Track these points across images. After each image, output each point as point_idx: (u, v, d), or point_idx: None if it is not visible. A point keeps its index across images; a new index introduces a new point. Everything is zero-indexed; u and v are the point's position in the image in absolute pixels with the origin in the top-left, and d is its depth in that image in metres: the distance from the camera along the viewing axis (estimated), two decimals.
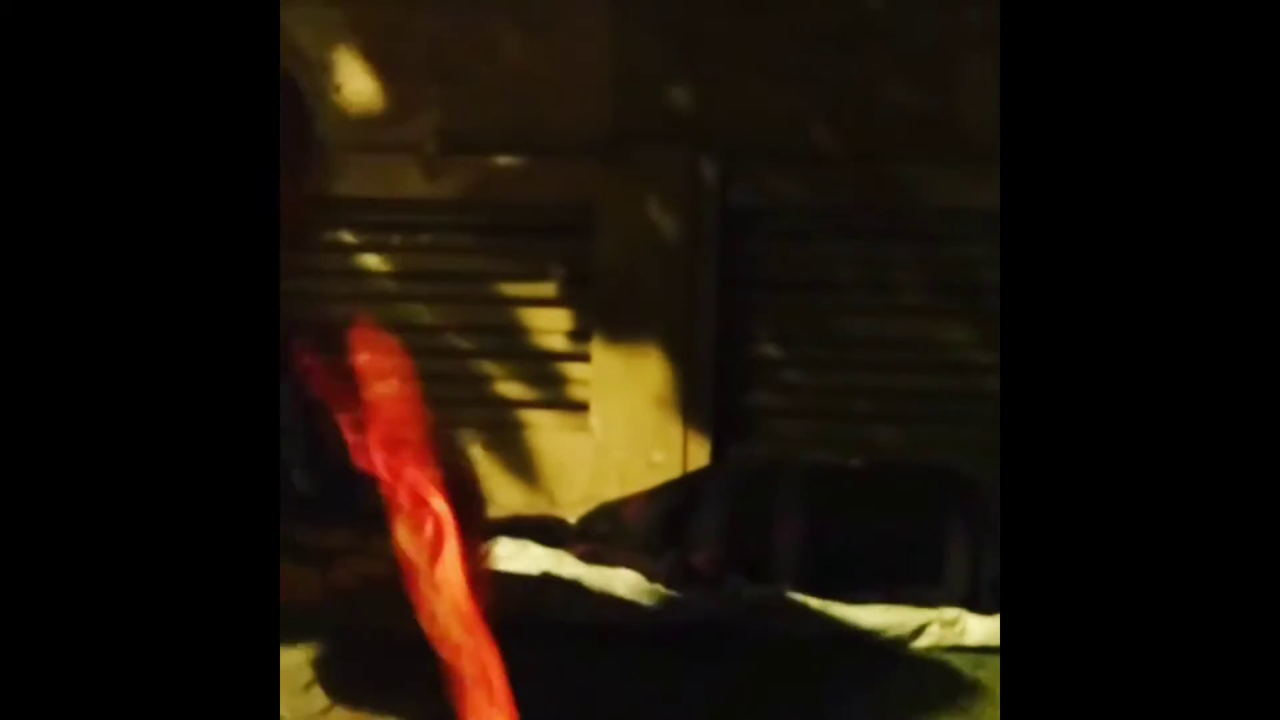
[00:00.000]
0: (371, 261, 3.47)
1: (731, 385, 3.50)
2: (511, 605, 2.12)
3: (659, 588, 2.84)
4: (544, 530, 3.08)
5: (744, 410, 3.52)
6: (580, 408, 3.43)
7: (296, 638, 2.30)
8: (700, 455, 3.44)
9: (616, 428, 3.40)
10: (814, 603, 2.74)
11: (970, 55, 3.36)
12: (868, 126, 3.40)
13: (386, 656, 2.17)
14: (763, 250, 3.46)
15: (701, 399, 3.45)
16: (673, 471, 3.39)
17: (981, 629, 2.69)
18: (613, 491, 3.30)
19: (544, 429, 3.47)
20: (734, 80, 3.08)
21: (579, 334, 3.39)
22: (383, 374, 1.90)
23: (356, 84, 3.39)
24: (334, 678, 2.29)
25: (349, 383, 1.90)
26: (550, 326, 3.42)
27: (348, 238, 3.45)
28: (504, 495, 3.30)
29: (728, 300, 3.42)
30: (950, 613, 2.73)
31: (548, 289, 3.39)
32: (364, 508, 1.88)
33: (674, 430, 3.42)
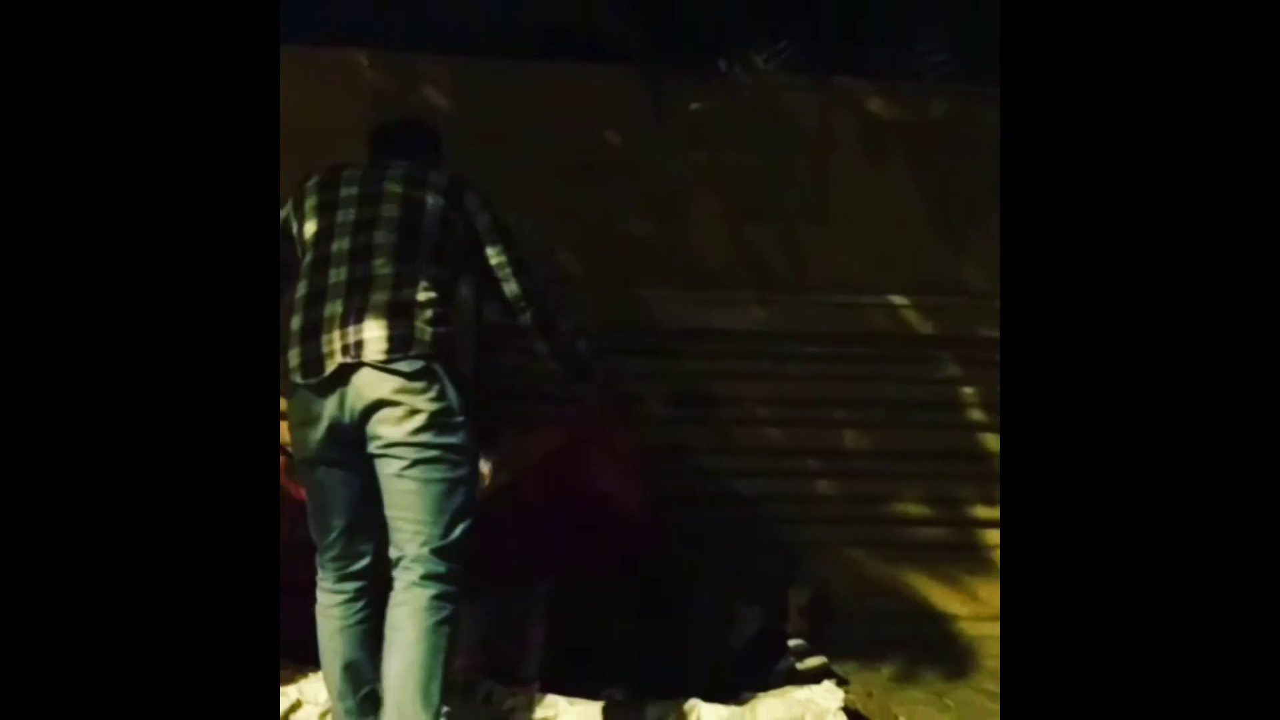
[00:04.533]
0: None
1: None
2: None
3: None
4: None
5: None
6: None
7: None
8: None
9: None
10: (562, 701, 2.81)
11: (698, 191, 3.72)
12: (609, 253, 3.65)
13: None
14: (514, 365, 3.54)
15: None
16: None
17: (715, 716, 2.84)
18: None
19: None
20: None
21: None
22: None
23: None
24: None
25: None
26: None
27: None
28: None
29: (481, 413, 3.51)
30: (688, 703, 2.84)
31: None
32: None
33: None
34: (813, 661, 3.25)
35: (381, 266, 2.49)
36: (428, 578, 2.37)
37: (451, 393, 2.42)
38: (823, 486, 3.77)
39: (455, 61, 3.68)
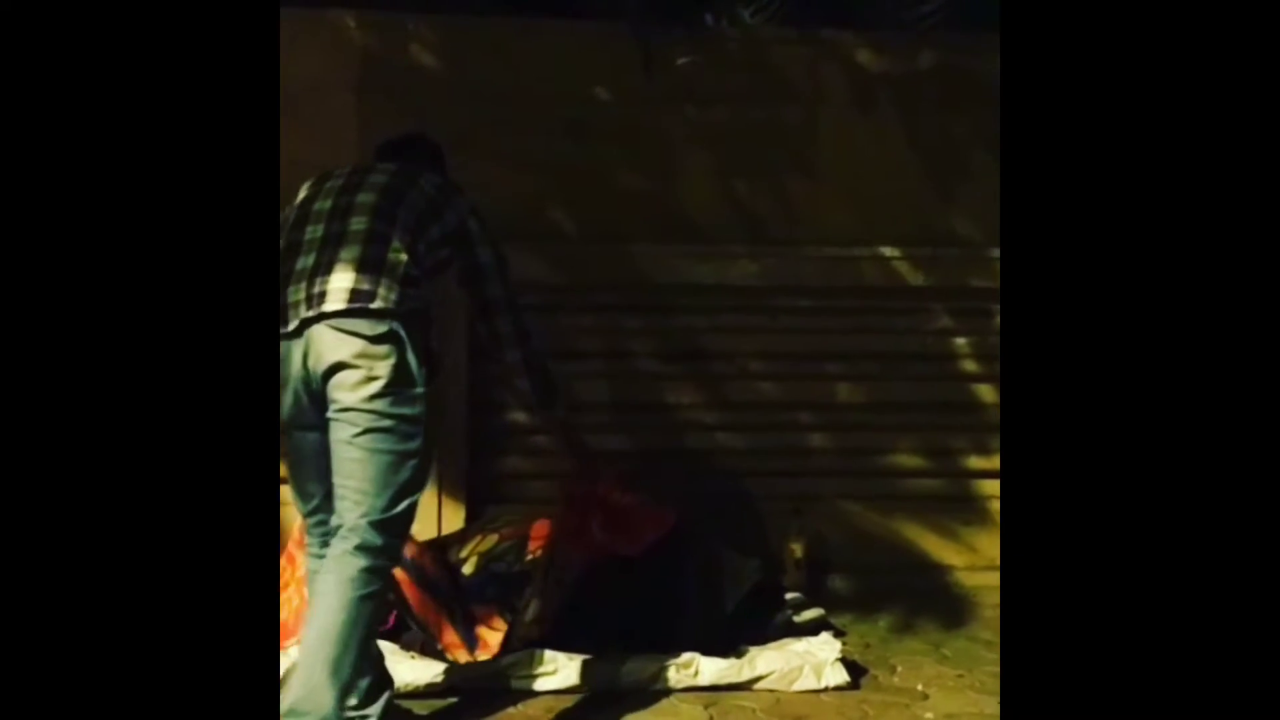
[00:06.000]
0: None
1: (483, 451, 3.62)
2: None
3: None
4: None
5: (495, 474, 3.64)
6: None
7: None
8: (455, 520, 3.53)
9: None
10: (561, 657, 2.84)
11: (687, 147, 3.70)
12: (600, 210, 3.64)
13: None
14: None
15: (455, 465, 3.54)
16: (427, 535, 3.38)
17: (713, 669, 2.86)
18: None
19: None
20: (477, 167, 3.22)
21: None
22: None
23: None
24: None
25: None
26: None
27: None
28: None
29: (477, 370, 3.54)
30: (685, 656, 2.87)
31: None
32: None
33: (428, 497, 3.38)
34: (810, 614, 3.27)
35: (357, 223, 2.47)
36: (361, 549, 2.33)
37: (413, 363, 2.37)
38: (817, 440, 3.79)
39: (443, 20, 3.65)
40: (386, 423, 2.34)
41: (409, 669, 2.83)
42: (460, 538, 3.35)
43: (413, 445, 2.37)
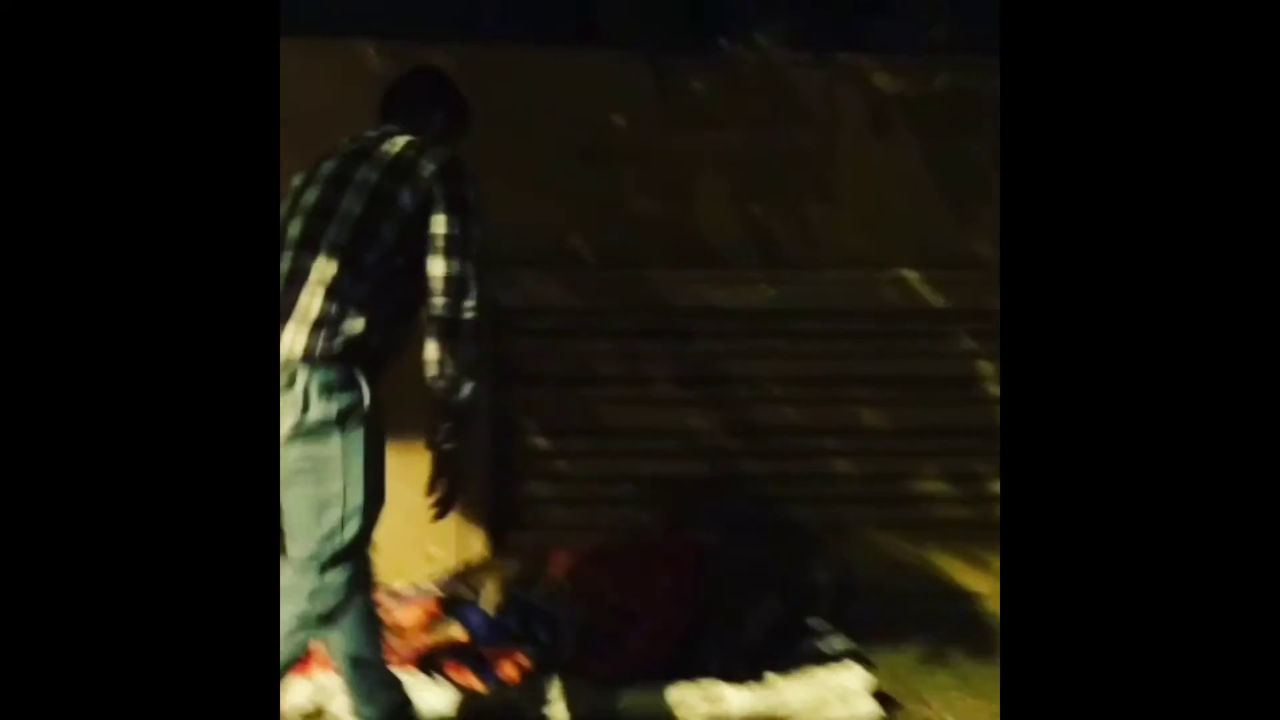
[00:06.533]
0: None
1: (504, 477, 3.61)
2: None
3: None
4: None
5: (517, 500, 3.63)
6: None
7: None
8: (477, 546, 3.54)
9: (393, 521, 3.35)
10: (584, 686, 2.84)
11: (705, 171, 3.70)
12: (617, 235, 3.65)
13: None
14: (527, 348, 3.62)
15: (476, 491, 3.50)
16: (449, 563, 3.46)
17: (739, 699, 2.84)
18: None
19: None
20: (494, 192, 3.22)
21: None
22: None
23: None
24: None
25: None
26: None
27: None
28: None
29: (498, 395, 3.55)
30: (710, 685, 2.85)
31: None
32: None
33: (450, 523, 3.35)
34: (837, 643, 3.23)
35: (323, 266, 2.33)
36: (288, 590, 2.25)
37: (322, 403, 2.25)
38: (841, 465, 3.75)
39: (459, 48, 3.67)
40: (303, 465, 2.25)
41: (433, 695, 2.82)
42: (483, 565, 3.35)
43: (335, 487, 2.27)
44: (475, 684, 2.95)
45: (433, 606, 3.17)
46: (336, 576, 2.30)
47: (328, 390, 2.27)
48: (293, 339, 2.29)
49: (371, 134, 2.56)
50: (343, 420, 2.28)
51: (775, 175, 3.72)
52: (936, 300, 3.73)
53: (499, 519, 3.60)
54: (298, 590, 2.28)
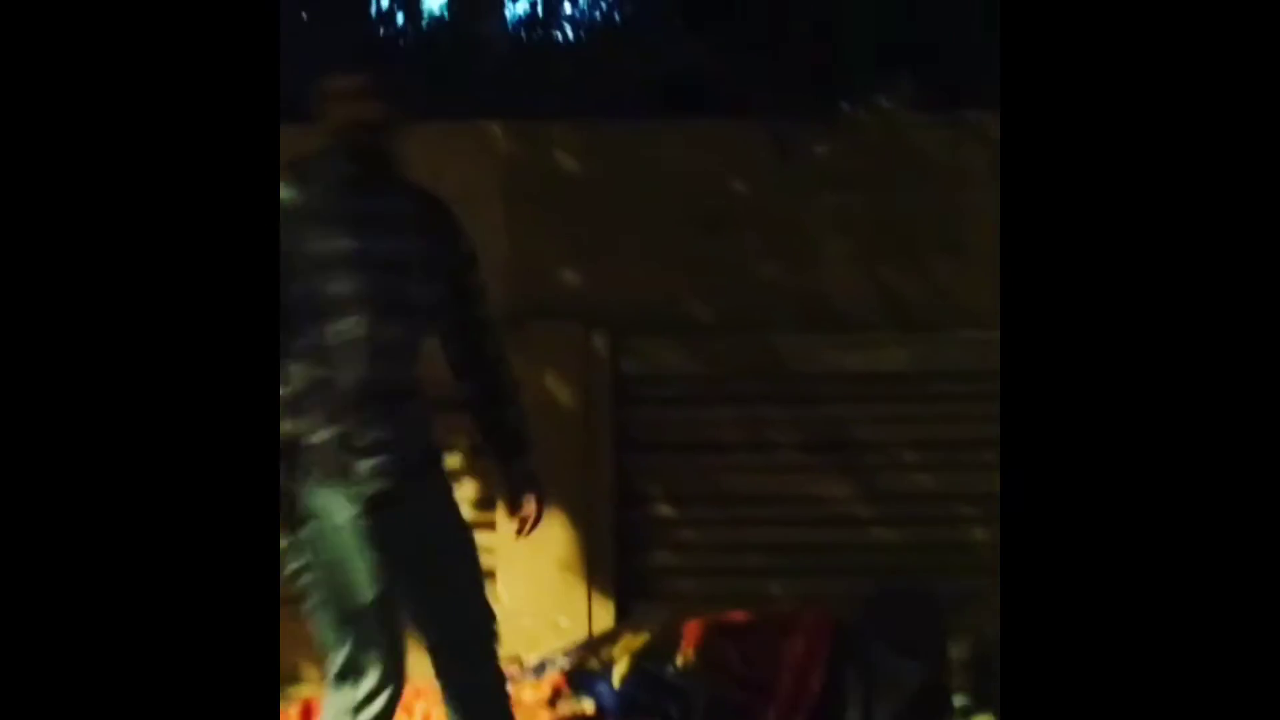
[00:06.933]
0: None
1: (630, 546, 3.59)
2: None
3: None
4: None
5: (643, 570, 3.60)
6: (486, 575, 3.46)
7: None
8: (605, 617, 3.50)
9: (522, 593, 3.42)
10: None
11: (829, 234, 3.66)
12: (741, 300, 3.63)
13: None
14: (651, 415, 3.61)
15: (603, 561, 3.53)
16: (578, 635, 3.44)
17: None
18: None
19: None
20: (618, 261, 3.25)
21: (483, 502, 3.43)
22: None
23: None
24: None
25: None
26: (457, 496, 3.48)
27: None
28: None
29: (622, 464, 3.54)
30: None
31: (453, 460, 3.46)
32: None
33: (578, 593, 3.47)
34: (979, 719, 3.10)
35: None
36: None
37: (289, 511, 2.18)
38: (978, 533, 3.62)
39: (582, 124, 3.75)
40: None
41: None
42: (612, 636, 3.32)
43: (310, 603, 2.24)
44: None
45: (559, 680, 3.14)
46: (339, 681, 2.27)
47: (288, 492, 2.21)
48: None
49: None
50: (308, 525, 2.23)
51: (902, 236, 3.66)
52: None
53: (625, 589, 3.57)
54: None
